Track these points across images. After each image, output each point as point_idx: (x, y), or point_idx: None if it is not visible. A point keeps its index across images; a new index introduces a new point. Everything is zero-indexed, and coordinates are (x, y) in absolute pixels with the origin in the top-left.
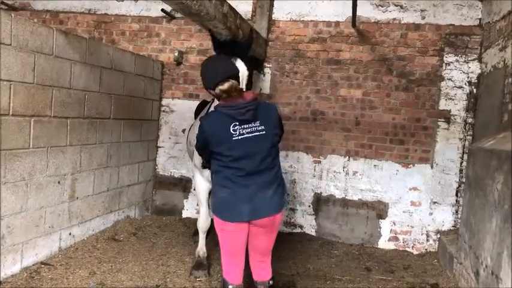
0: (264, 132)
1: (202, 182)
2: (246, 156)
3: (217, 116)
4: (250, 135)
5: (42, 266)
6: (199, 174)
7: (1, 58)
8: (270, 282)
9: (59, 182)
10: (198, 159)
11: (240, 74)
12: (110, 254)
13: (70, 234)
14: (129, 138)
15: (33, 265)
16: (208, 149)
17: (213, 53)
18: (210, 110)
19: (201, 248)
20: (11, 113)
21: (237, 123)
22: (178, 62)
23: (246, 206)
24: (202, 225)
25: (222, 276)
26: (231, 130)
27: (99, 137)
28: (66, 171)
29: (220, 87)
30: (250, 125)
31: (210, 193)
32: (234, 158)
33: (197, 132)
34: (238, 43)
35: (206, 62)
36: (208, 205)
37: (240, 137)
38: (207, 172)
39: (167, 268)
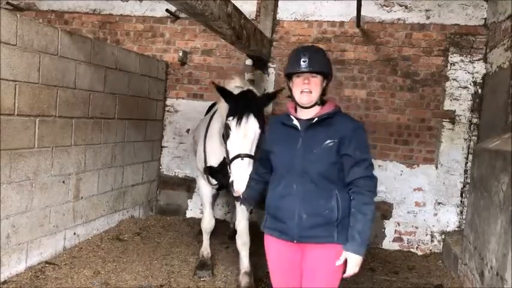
0: None
1: (205, 185)
2: None
3: None
4: None
5: (47, 265)
6: (202, 178)
7: (7, 58)
8: None
9: (63, 182)
10: (200, 162)
11: (252, 134)
12: (114, 253)
13: (74, 233)
14: (134, 138)
15: (38, 264)
16: None
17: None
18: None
19: (205, 248)
20: (16, 113)
21: None
22: (182, 62)
23: None
24: (206, 226)
25: None
26: None
27: (103, 137)
28: (71, 171)
29: None
30: None
31: (213, 196)
32: None
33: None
34: (255, 100)
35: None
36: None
37: None
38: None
39: (171, 268)
